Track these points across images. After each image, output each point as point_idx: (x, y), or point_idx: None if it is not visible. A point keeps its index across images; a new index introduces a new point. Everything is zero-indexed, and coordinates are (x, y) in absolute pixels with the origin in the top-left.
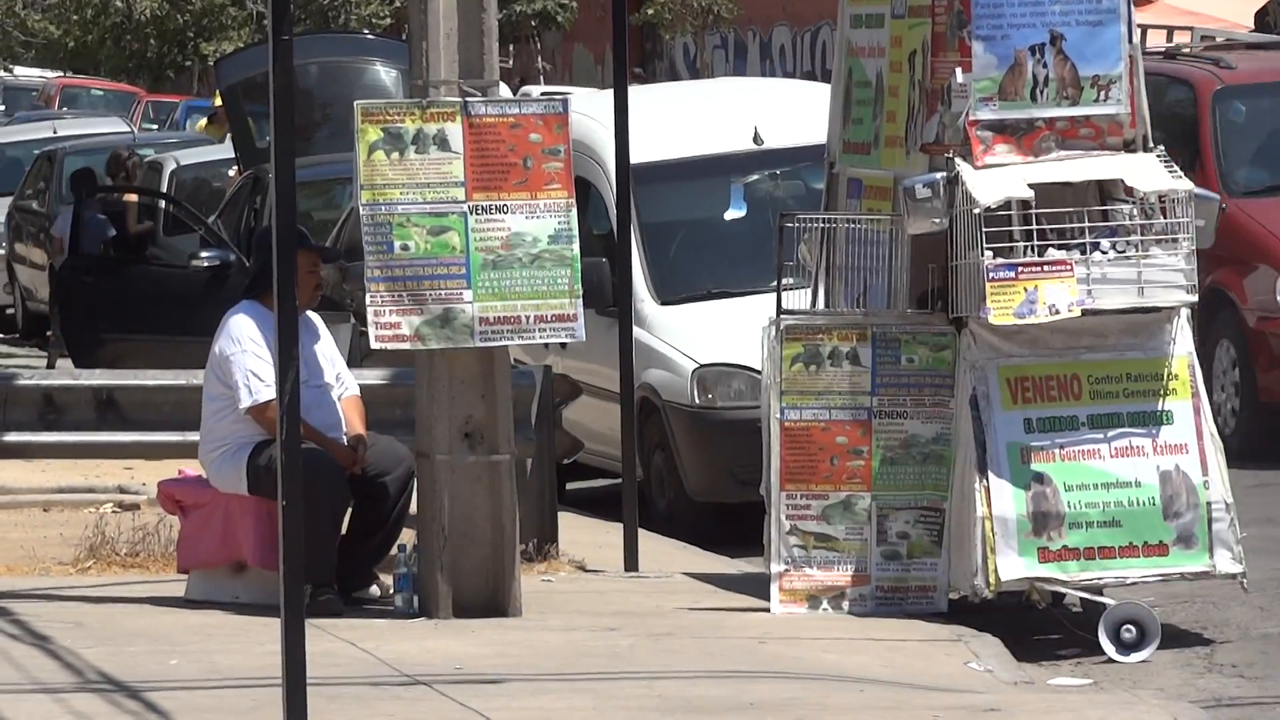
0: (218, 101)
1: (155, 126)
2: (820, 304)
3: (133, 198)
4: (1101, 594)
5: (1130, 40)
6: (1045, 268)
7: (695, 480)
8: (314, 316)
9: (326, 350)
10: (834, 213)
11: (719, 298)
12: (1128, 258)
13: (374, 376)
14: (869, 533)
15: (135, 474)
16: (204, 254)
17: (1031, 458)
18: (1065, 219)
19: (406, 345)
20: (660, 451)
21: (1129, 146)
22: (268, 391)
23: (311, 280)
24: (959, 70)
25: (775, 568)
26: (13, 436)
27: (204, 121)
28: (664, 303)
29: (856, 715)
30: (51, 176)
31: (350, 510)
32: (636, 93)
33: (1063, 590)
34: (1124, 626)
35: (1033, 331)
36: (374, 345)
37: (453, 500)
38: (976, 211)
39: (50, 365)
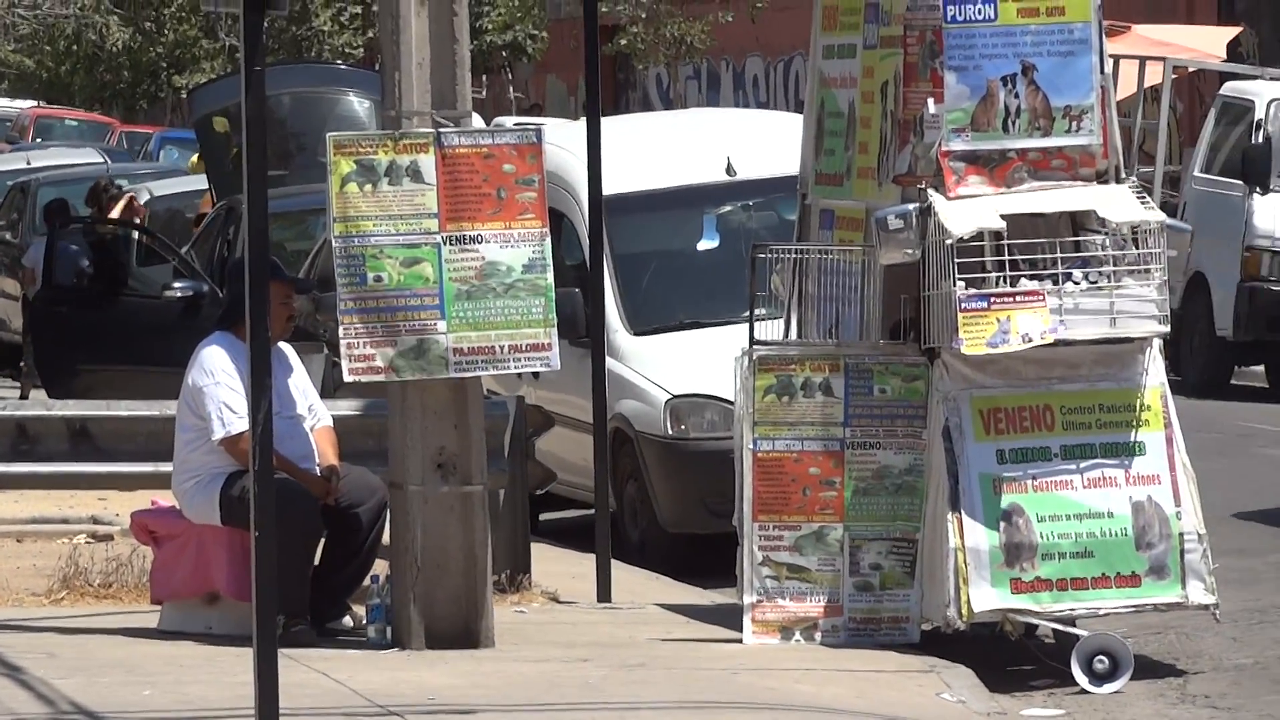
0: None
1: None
2: (793, 335)
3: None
4: (1074, 625)
5: (1102, 71)
6: (1018, 298)
7: (668, 511)
8: (287, 348)
9: (299, 381)
10: (806, 244)
11: (692, 328)
12: (1100, 288)
13: (347, 407)
14: (841, 564)
15: (109, 505)
16: (177, 284)
17: (1004, 489)
18: (1038, 250)
19: (381, 377)
20: (633, 482)
21: (1101, 177)
22: (240, 423)
23: (284, 312)
24: (931, 101)
25: (748, 599)
26: None
27: (196, 158)
28: (637, 333)
29: None
30: (24, 207)
31: (323, 541)
32: (609, 124)
33: (1035, 621)
34: (1097, 657)
35: (1005, 362)
36: (347, 378)
37: (425, 531)
38: (949, 242)
39: (23, 396)
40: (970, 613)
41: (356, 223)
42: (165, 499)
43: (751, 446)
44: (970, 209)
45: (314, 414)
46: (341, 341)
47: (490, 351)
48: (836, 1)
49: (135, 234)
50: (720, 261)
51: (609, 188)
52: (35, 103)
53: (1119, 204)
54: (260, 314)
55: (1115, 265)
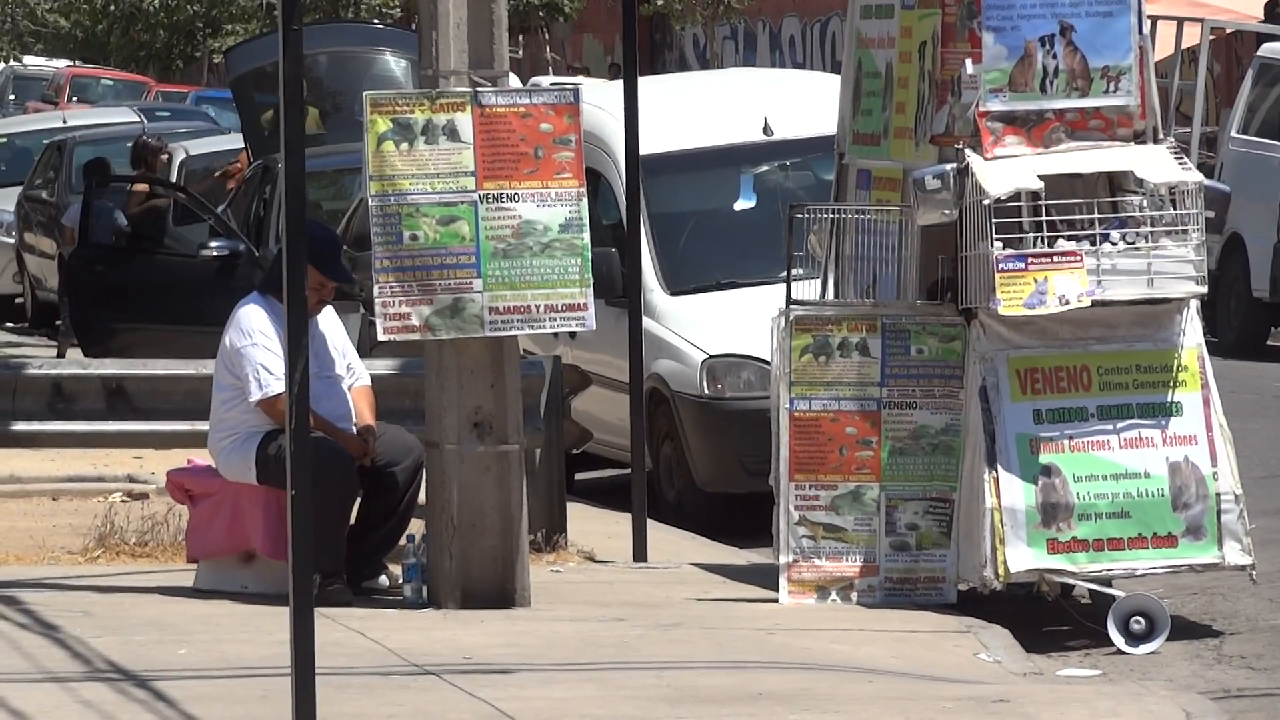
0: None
1: (167, 114)
2: (830, 295)
3: (142, 187)
4: (1110, 585)
5: (1140, 31)
6: (1055, 259)
7: (704, 471)
8: (326, 307)
9: (338, 341)
10: (843, 204)
11: (728, 288)
12: (1137, 249)
13: (383, 366)
14: (878, 524)
15: (144, 463)
16: (213, 244)
17: (1041, 449)
18: (1075, 210)
19: (416, 336)
20: (669, 442)
21: (1139, 138)
22: (277, 385)
23: (315, 296)
24: (969, 61)
25: (784, 558)
26: (22, 425)
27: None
28: (673, 293)
29: (866, 706)
30: (61, 166)
31: (359, 500)
32: (646, 83)
33: (1072, 582)
34: (1133, 618)
35: (1042, 323)
36: (382, 337)
37: (462, 490)
38: (986, 203)
39: (60, 354)
40: (1006, 573)
41: (393, 181)
42: (201, 458)
43: (788, 406)
44: (1008, 169)
45: (352, 373)
46: (377, 300)
47: (526, 311)
48: None
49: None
50: (757, 221)
51: (646, 147)
52: (71, 62)
53: (1156, 164)
54: (297, 273)
55: (1153, 226)
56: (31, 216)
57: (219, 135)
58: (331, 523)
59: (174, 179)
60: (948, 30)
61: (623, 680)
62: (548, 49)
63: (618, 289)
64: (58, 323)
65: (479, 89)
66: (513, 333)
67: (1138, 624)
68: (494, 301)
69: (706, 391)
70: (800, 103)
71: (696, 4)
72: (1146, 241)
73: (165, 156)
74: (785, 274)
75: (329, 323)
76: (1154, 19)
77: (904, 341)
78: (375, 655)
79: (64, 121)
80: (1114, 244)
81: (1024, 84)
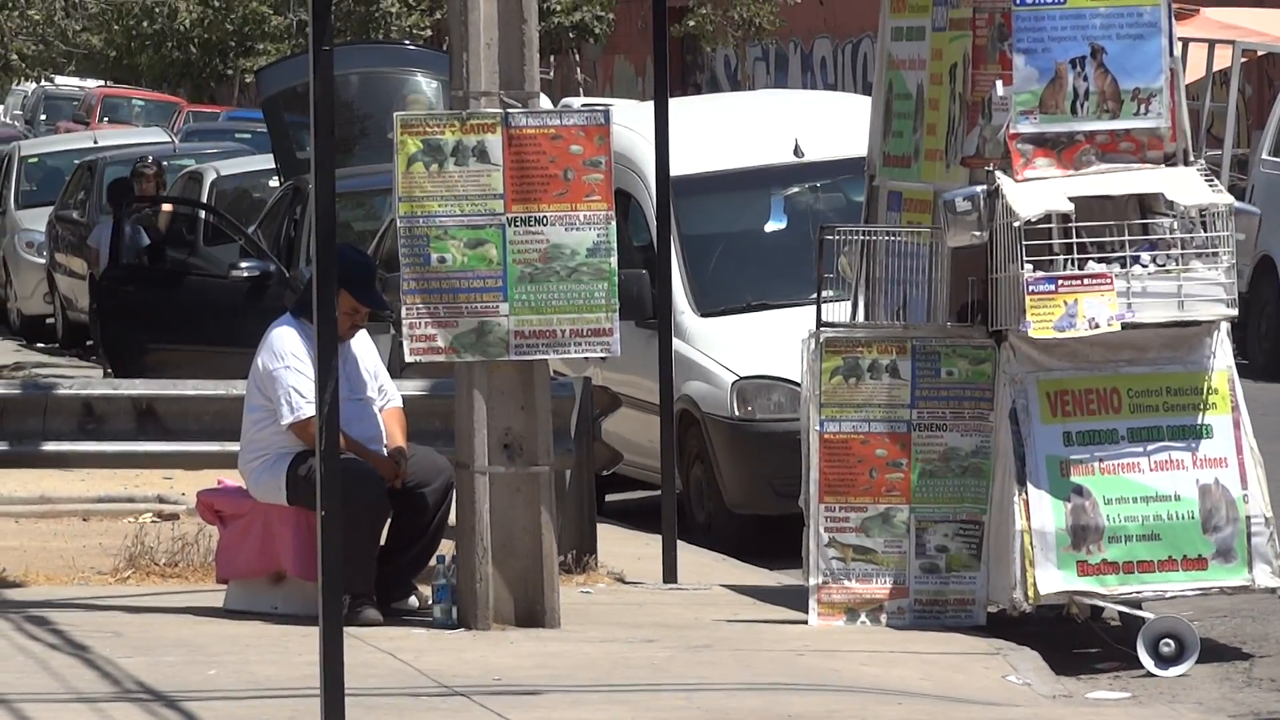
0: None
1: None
2: (860, 317)
3: (168, 208)
4: (1140, 608)
5: (1171, 54)
6: (1085, 281)
7: (734, 492)
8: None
9: (370, 363)
10: (874, 225)
11: (759, 310)
12: (1168, 271)
13: (413, 387)
14: (908, 545)
15: (174, 484)
16: (244, 264)
17: (1071, 471)
18: (1105, 232)
19: (441, 358)
20: (699, 463)
21: (1169, 160)
22: (309, 408)
23: (348, 320)
24: (999, 83)
25: (813, 580)
26: (52, 446)
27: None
28: (704, 314)
29: None
30: (91, 186)
31: (390, 521)
32: (677, 105)
33: (1101, 604)
34: (1163, 640)
35: (1072, 345)
36: (409, 358)
37: (492, 512)
38: (1016, 225)
39: (106, 373)
40: (1036, 595)
41: (422, 203)
42: (231, 478)
43: (818, 428)
44: (1038, 191)
45: (384, 395)
46: (404, 322)
47: (551, 335)
48: None
49: (201, 213)
50: (787, 243)
51: (676, 169)
52: (101, 83)
53: (1187, 187)
54: (327, 294)
55: (1183, 248)
56: (62, 237)
57: (250, 155)
58: (362, 544)
59: (205, 200)
60: (978, 52)
61: (652, 702)
62: (579, 70)
63: (648, 310)
64: (89, 343)
65: (509, 110)
66: (537, 357)
67: (1167, 646)
68: (520, 326)
69: (737, 413)
70: (831, 124)
71: (728, 25)
72: (1177, 264)
73: (150, 187)
74: (815, 296)
75: (362, 345)
76: (1185, 41)
77: (934, 364)
78: (405, 676)
79: (95, 142)
80: (1144, 266)
81: (1055, 106)
